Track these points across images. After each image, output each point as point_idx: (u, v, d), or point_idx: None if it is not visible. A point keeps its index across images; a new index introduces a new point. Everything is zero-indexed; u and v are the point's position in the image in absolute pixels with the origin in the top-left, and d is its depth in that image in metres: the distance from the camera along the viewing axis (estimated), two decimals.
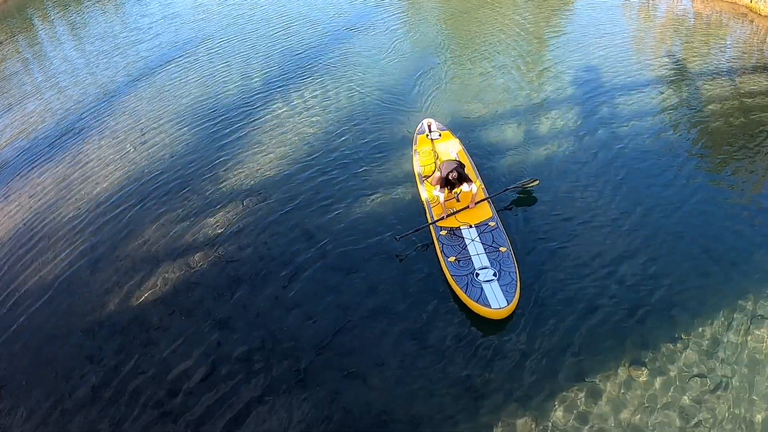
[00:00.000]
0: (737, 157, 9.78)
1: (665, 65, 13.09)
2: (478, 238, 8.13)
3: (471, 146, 10.53)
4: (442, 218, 8.41)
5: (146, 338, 7.74)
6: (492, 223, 8.36)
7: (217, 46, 17.61)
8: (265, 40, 17.57)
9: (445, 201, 8.53)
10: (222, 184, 10.65)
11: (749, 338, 6.62)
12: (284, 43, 17.07)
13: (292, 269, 8.43)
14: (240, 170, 11.01)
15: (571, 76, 12.97)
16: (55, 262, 9.38)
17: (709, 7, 15.95)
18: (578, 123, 11.12)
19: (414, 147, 10.43)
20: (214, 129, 12.68)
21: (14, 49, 20.92)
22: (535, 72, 13.44)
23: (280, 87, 14.22)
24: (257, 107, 13.40)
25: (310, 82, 14.25)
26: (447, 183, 8.31)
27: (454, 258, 7.81)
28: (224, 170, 11.06)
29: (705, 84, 12.13)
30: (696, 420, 5.89)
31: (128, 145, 12.58)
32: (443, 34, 16.65)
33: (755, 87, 11.85)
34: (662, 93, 11.91)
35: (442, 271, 7.89)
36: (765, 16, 14.91)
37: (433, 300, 7.66)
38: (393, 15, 18.09)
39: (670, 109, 11.32)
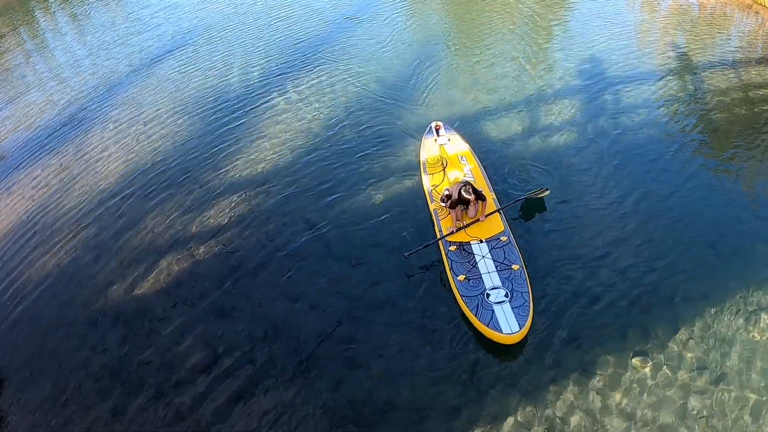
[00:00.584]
0: (742, 149, 9.72)
1: (670, 56, 13.01)
2: (489, 254, 7.67)
3: (479, 149, 10.17)
4: (452, 232, 7.96)
5: (149, 328, 7.75)
6: (504, 238, 7.89)
7: (218, 36, 17.60)
8: (266, 29, 17.54)
9: (455, 214, 8.14)
10: (224, 174, 10.64)
11: (752, 329, 6.60)
12: (285, 33, 17.04)
13: (294, 259, 8.43)
14: (242, 160, 11.00)
15: (576, 68, 12.90)
16: (58, 253, 9.40)
17: None
18: (586, 121, 10.90)
19: (421, 152, 10.04)
20: (216, 118, 12.67)
21: (16, 42, 20.92)
22: (540, 63, 13.37)
23: (281, 76, 14.19)
24: (258, 96, 13.38)
25: (311, 72, 14.21)
26: (461, 202, 7.96)
27: (464, 276, 7.37)
28: (226, 160, 11.05)
29: (710, 75, 12.04)
30: (698, 412, 5.88)
31: (130, 135, 12.58)
32: (445, 23, 16.58)
33: (760, 79, 11.77)
34: (666, 85, 11.84)
35: (451, 290, 7.43)
36: None
37: (436, 291, 7.63)
38: (395, 5, 17.98)
39: (675, 102, 11.26)
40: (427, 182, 9.29)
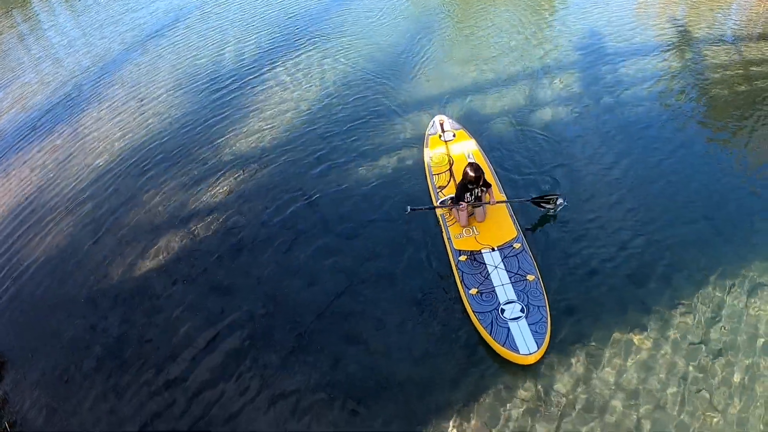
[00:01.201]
0: (741, 125, 9.67)
1: (670, 31, 12.89)
2: (502, 263, 7.15)
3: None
4: (460, 237, 7.54)
5: (149, 306, 7.76)
6: (517, 245, 7.35)
7: (211, 11, 17.54)
8: (260, 2, 17.35)
9: (461, 212, 7.67)
10: (221, 151, 10.60)
11: (750, 305, 6.60)
12: (279, 6, 16.90)
13: (292, 234, 8.41)
14: (239, 136, 10.96)
15: (575, 43, 12.78)
16: (57, 234, 9.37)
17: None
18: (599, 111, 10.42)
19: (425, 150, 9.46)
20: (212, 95, 12.60)
21: (9, 24, 20.69)
22: (539, 38, 13.24)
23: (277, 51, 14.12)
24: (254, 72, 13.30)
25: (305, 46, 14.16)
26: (467, 182, 7.39)
27: (476, 290, 6.86)
28: (223, 137, 11.00)
29: (710, 51, 11.94)
30: (696, 386, 5.90)
31: (127, 114, 12.49)
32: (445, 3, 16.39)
33: (760, 55, 11.68)
34: (667, 59, 11.75)
35: (463, 305, 6.95)
36: None
37: (435, 264, 7.62)
38: None
39: (677, 77, 11.19)
40: (432, 184, 8.71)
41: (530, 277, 6.90)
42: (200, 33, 15.99)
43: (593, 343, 6.41)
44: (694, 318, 6.53)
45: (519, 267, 7.09)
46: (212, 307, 7.52)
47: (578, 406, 5.88)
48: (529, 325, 6.39)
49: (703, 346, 6.24)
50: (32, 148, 12.04)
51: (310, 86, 12.31)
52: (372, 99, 11.50)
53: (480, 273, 7.10)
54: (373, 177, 9.30)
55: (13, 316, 8.14)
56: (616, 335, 6.45)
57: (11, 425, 6.68)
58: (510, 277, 6.96)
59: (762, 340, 6.25)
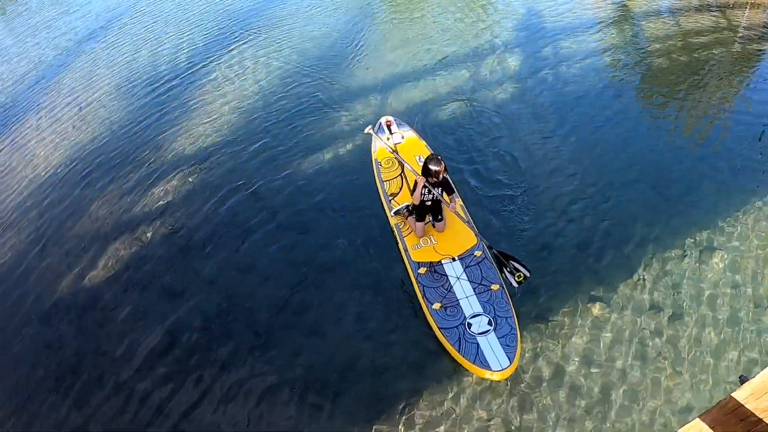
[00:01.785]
0: (681, 93, 9.96)
1: (611, 7, 13.16)
2: (464, 274, 6.84)
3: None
4: (418, 248, 7.20)
5: (102, 318, 7.52)
6: (478, 253, 7.04)
7: (147, 9, 17.03)
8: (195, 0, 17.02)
9: (416, 226, 7.39)
10: (163, 151, 10.38)
11: (701, 268, 6.83)
12: (215, 2, 16.59)
13: (242, 232, 8.29)
14: (179, 134, 10.76)
15: (517, 24, 12.91)
16: (1, 251, 9.02)
17: None
18: (539, 86, 10.68)
19: (373, 156, 8.92)
20: (151, 95, 12.34)
21: None
22: (480, 24, 13.34)
23: (213, 47, 13.98)
24: (192, 69, 13.10)
25: (245, 40, 14.04)
26: (428, 175, 6.81)
27: (440, 304, 6.52)
28: (166, 139, 10.75)
29: (649, 23, 12.26)
30: (656, 351, 6.09)
31: (65, 121, 12.09)
32: None
33: (698, 25, 12.02)
34: (606, 34, 11.99)
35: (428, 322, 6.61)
36: None
37: (387, 246, 7.64)
38: None
39: (615, 50, 11.41)
40: (384, 191, 8.25)
41: (494, 287, 6.62)
42: (135, 33, 15.65)
43: (555, 320, 6.52)
44: (645, 285, 6.73)
45: (482, 277, 6.79)
46: (166, 312, 7.35)
47: (549, 389, 5.96)
48: (498, 338, 6.10)
49: (658, 310, 6.44)
50: None
51: (248, 80, 12.22)
52: (312, 89, 11.48)
53: (442, 286, 6.76)
54: (318, 171, 9.23)
55: None
56: (575, 308, 6.60)
57: None
58: (474, 288, 6.66)
59: (708, 292, 6.55)
